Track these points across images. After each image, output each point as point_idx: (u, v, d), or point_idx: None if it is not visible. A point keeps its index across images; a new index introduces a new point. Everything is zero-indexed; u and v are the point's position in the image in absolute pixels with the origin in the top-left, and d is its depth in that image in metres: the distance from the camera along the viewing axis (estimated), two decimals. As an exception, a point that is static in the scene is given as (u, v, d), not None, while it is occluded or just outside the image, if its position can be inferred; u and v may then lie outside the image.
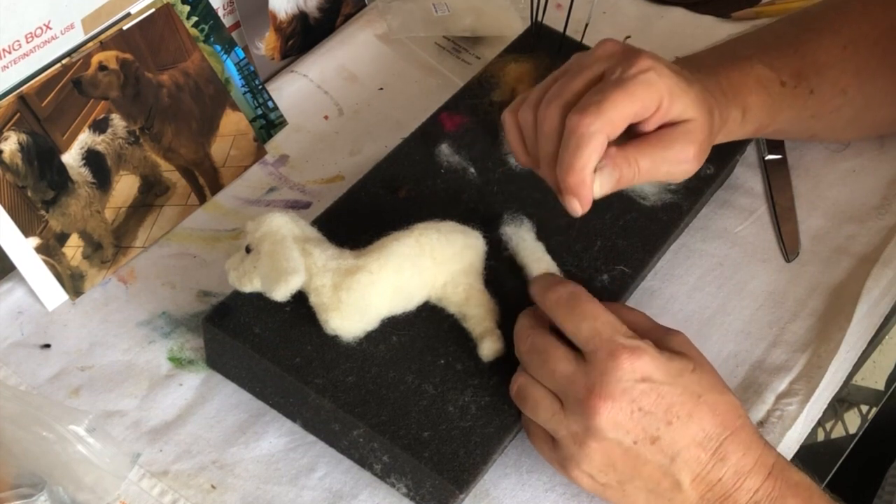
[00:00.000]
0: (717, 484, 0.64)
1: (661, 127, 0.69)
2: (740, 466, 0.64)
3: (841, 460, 0.88)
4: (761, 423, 0.76)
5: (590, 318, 0.66)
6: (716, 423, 0.64)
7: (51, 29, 0.76)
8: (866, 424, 0.94)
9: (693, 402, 0.64)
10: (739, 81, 0.77)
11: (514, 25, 0.98)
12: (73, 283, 0.78)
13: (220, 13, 0.88)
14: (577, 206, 0.67)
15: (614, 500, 0.67)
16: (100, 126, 0.80)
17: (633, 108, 0.66)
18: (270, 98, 0.90)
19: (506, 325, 0.72)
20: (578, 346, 0.66)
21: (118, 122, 0.81)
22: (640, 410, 0.63)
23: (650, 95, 0.67)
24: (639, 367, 0.63)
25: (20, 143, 0.76)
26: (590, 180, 0.66)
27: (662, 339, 0.67)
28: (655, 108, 0.68)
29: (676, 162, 0.69)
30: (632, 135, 0.69)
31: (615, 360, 0.63)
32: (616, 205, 0.80)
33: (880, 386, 0.96)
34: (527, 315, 0.70)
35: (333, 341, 0.70)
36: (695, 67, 0.76)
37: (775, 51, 0.80)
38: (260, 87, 0.90)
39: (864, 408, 0.95)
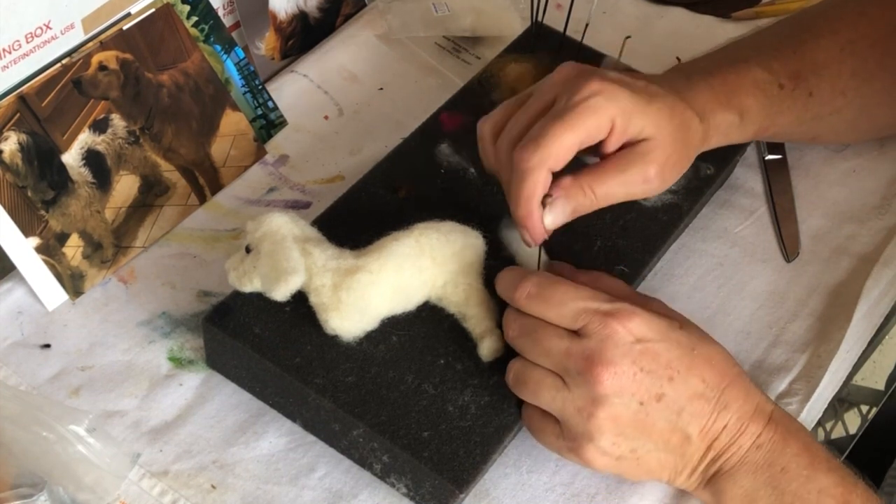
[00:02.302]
0: (722, 431, 0.66)
1: (624, 147, 0.70)
2: (742, 413, 0.66)
3: (841, 460, 0.88)
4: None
5: (568, 301, 0.66)
6: (714, 374, 0.66)
7: (51, 29, 0.76)
8: (866, 424, 0.94)
9: (689, 356, 0.66)
10: (735, 84, 0.77)
11: (514, 25, 0.98)
12: (73, 283, 0.78)
13: (220, 13, 0.88)
14: (529, 239, 0.69)
15: (629, 472, 0.67)
16: (100, 126, 0.80)
17: (576, 138, 0.67)
18: (270, 98, 0.90)
19: (506, 325, 0.72)
20: (567, 328, 0.66)
21: (118, 122, 0.81)
22: (642, 371, 0.64)
23: (595, 121, 0.67)
24: (632, 329, 0.64)
25: (20, 143, 0.76)
26: (537, 213, 0.68)
27: (642, 304, 0.68)
28: (608, 131, 0.68)
29: (634, 184, 0.70)
30: (599, 155, 0.70)
31: (608, 327, 0.64)
32: (616, 205, 0.80)
33: (880, 386, 0.97)
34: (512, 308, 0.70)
35: (333, 341, 0.70)
36: (689, 72, 0.76)
37: (773, 52, 0.80)
38: (260, 87, 0.90)
39: (864, 408, 0.96)
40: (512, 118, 0.71)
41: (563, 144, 0.67)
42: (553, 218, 0.69)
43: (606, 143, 0.69)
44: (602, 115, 0.67)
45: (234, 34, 0.90)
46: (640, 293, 0.71)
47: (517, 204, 0.68)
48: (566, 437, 0.66)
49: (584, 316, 0.65)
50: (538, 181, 0.67)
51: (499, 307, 0.72)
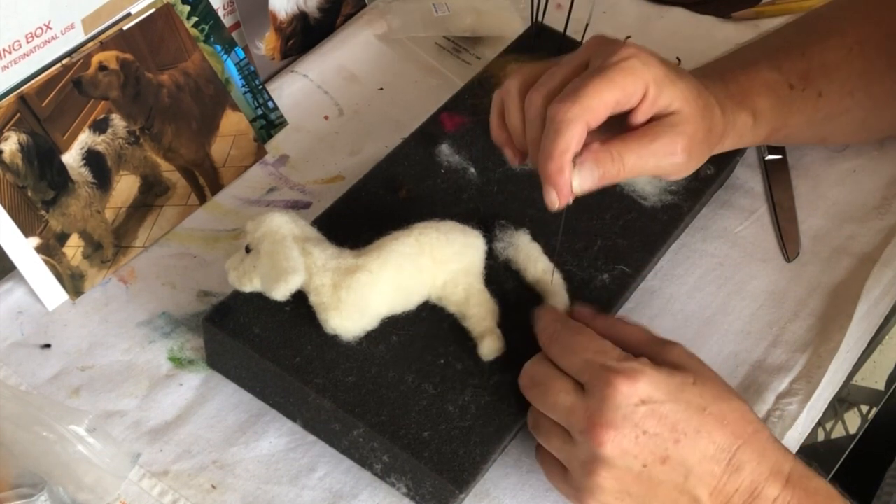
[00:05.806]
0: (735, 494, 0.64)
1: (651, 120, 0.68)
2: (756, 475, 0.64)
3: (841, 460, 0.88)
4: (761, 423, 0.76)
5: (579, 351, 0.65)
6: (726, 434, 0.64)
7: (51, 29, 0.76)
8: (866, 424, 0.94)
9: (699, 417, 0.63)
10: (747, 85, 0.77)
11: (514, 25, 0.98)
12: (73, 283, 0.78)
13: (220, 13, 0.88)
14: (555, 198, 0.67)
15: None
16: (100, 126, 0.80)
17: (614, 95, 0.66)
18: (270, 98, 0.90)
19: (506, 324, 0.72)
20: (576, 379, 0.65)
21: (118, 122, 0.81)
22: (645, 434, 0.62)
23: (632, 82, 0.66)
24: (637, 391, 0.63)
25: (20, 143, 0.76)
26: (568, 170, 0.66)
27: (660, 353, 0.66)
28: (641, 97, 0.67)
29: (663, 155, 0.68)
30: (624, 129, 0.68)
31: (611, 387, 0.63)
32: (616, 205, 0.80)
33: (880, 386, 0.96)
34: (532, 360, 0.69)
35: (333, 341, 0.70)
36: (702, 74, 0.76)
37: (782, 54, 0.80)
38: (260, 87, 0.90)
39: (864, 408, 0.95)
40: (544, 75, 0.69)
41: (602, 100, 0.65)
42: (581, 181, 0.66)
43: (636, 112, 0.68)
44: (638, 78, 0.66)
45: (234, 34, 0.90)
46: (661, 338, 0.68)
47: (550, 158, 0.65)
48: (571, 486, 0.66)
49: (590, 370, 0.64)
50: (575, 134, 0.65)
51: (499, 307, 0.73)
